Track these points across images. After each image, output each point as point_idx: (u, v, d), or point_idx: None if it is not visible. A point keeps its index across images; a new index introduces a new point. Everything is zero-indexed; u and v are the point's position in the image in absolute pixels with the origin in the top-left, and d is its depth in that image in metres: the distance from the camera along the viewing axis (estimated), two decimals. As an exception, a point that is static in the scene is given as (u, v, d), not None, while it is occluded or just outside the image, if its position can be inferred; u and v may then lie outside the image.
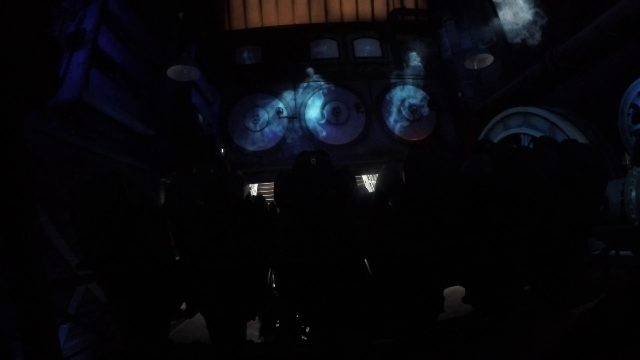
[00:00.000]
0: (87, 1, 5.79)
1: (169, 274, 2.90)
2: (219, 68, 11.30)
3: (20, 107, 2.14)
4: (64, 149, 5.23)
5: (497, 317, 2.82)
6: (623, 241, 3.74)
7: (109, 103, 6.05)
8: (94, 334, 3.33)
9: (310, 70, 11.23)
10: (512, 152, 3.01)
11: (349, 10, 12.83)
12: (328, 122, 11.09)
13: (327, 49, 12.22)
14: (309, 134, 10.98)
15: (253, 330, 3.37)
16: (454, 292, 3.31)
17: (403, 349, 2.69)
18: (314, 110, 11.13)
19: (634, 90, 5.69)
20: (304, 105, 11.24)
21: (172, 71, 7.41)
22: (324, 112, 11.13)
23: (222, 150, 10.02)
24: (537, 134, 6.97)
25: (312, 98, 11.28)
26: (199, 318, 3.15)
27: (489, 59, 8.54)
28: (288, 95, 11.27)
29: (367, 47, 12.33)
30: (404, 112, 11.37)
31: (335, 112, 11.14)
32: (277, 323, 3.43)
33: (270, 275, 3.46)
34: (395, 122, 11.30)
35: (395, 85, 11.67)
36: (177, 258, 3.06)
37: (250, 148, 10.85)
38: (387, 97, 11.55)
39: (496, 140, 7.93)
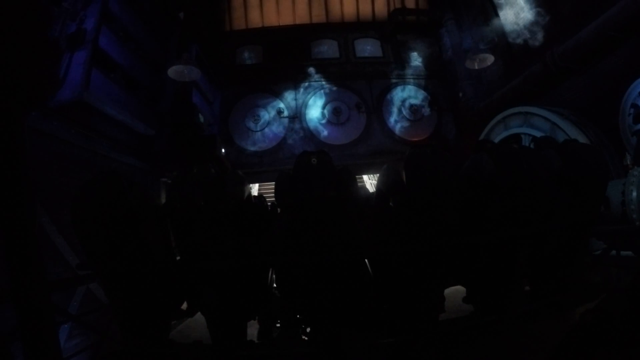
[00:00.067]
0: (88, 1, 5.80)
1: (169, 274, 2.90)
2: (220, 68, 11.29)
3: (20, 107, 2.14)
4: (65, 149, 5.24)
5: (497, 317, 2.82)
6: (624, 241, 3.72)
7: (109, 103, 6.06)
8: (95, 333, 3.33)
9: (311, 70, 11.22)
10: (513, 152, 3.02)
11: (349, 10, 12.83)
12: (329, 122, 11.08)
13: (328, 49, 12.21)
14: (309, 134, 10.98)
15: (253, 330, 3.37)
16: (455, 292, 3.31)
17: (403, 349, 2.68)
18: (314, 110, 11.13)
19: (635, 90, 5.67)
20: (305, 105, 11.24)
21: (172, 71, 7.40)
22: (325, 112, 11.12)
23: (223, 151, 10.00)
24: (538, 134, 6.95)
25: (313, 98, 11.27)
26: (199, 318, 3.16)
27: (490, 59, 8.52)
28: (289, 95, 11.27)
29: (367, 47, 12.32)
30: (405, 112, 11.36)
31: (336, 112, 11.13)
32: (278, 323, 3.44)
33: (271, 275, 3.46)
34: (396, 122, 11.29)
35: (396, 85, 11.66)
36: (178, 258, 3.06)
37: (251, 148, 10.84)
38: (388, 97, 11.55)
39: (497, 140, 7.91)
